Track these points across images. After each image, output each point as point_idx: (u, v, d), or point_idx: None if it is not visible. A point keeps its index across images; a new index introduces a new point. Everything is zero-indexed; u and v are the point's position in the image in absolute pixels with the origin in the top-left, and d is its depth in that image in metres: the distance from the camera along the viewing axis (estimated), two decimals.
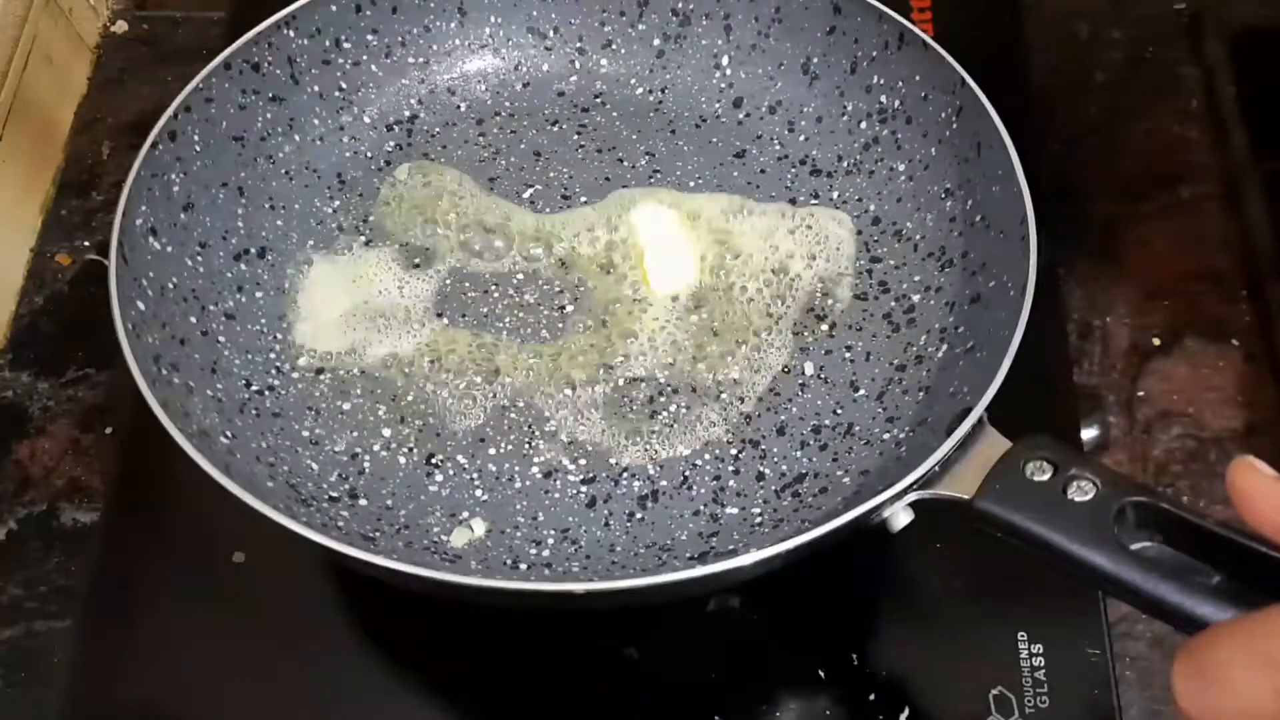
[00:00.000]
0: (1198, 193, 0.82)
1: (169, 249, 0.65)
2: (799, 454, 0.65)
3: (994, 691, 0.63)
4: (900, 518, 0.54)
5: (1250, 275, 0.79)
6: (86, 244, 0.83)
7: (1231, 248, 0.80)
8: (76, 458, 0.75)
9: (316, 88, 0.74)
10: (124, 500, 0.71)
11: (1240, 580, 0.44)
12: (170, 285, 0.64)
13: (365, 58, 0.75)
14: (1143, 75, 0.87)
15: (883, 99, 0.72)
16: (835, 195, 0.73)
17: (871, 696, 0.63)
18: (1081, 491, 0.48)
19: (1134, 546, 0.46)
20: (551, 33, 0.78)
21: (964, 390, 0.62)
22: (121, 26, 0.93)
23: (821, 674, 0.64)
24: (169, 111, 0.65)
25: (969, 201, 0.68)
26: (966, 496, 0.51)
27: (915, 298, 0.69)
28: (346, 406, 0.67)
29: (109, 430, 0.76)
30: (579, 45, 0.78)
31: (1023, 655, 0.64)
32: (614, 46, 0.78)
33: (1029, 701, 0.63)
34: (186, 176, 0.67)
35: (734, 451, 0.66)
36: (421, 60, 0.77)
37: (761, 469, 0.65)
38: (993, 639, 0.64)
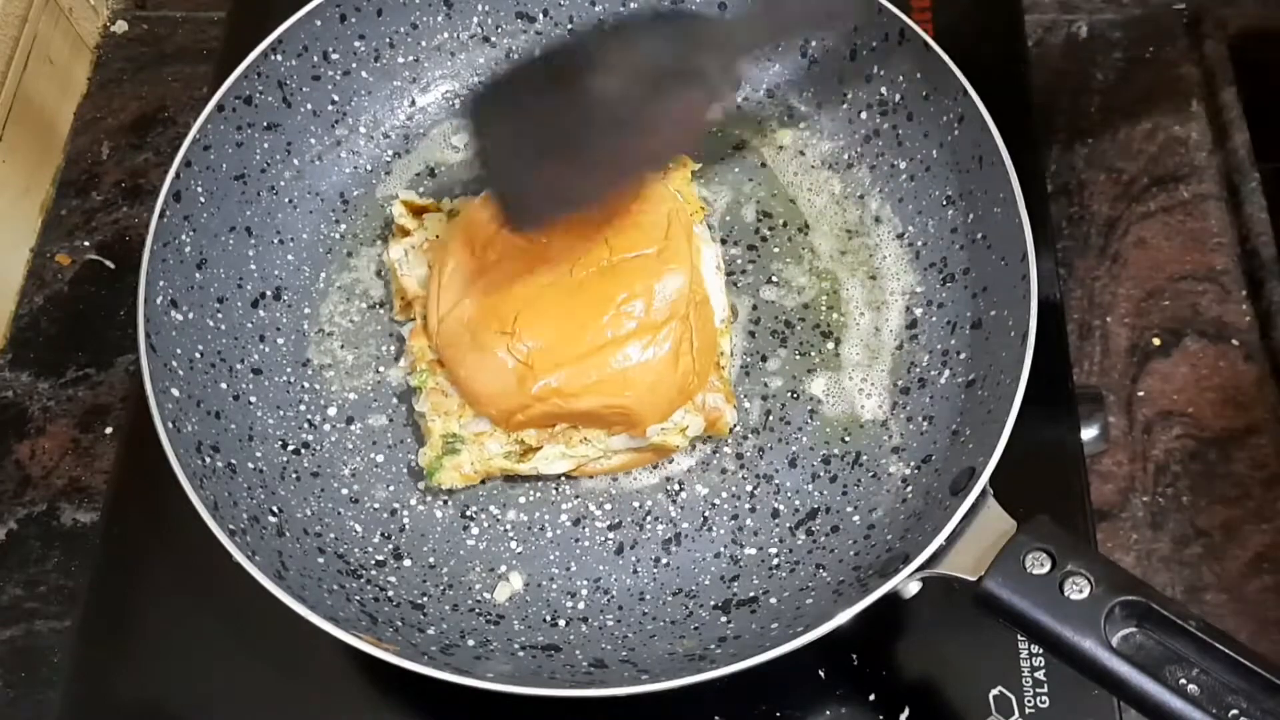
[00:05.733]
0: (1198, 193, 0.82)
1: (190, 315, 0.66)
2: (810, 487, 0.66)
3: (994, 691, 0.63)
4: (911, 587, 0.58)
5: (1250, 275, 0.79)
6: (86, 244, 0.83)
7: (1231, 248, 0.80)
8: (76, 457, 0.75)
9: (309, 106, 0.73)
10: (124, 500, 0.71)
11: (1213, 676, 0.49)
12: (198, 355, 0.65)
13: (355, 65, 0.75)
14: (1143, 75, 0.87)
15: (883, 90, 0.72)
16: (837, 189, 0.73)
17: (871, 696, 0.64)
18: (1077, 589, 0.52)
19: (1122, 633, 0.51)
20: (541, 15, 0.78)
21: (965, 432, 0.63)
22: (121, 26, 0.93)
23: (821, 674, 0.64)
24: (171, 173, 0.65)
25: (970, 215, 0.68)
26: (972, 578, 0.54)
27: (918, 311, 0.69)
28: (380, 459, 0.68)
29: (109, 430, 0.76)
30: (570, 26, 0.78)
31: (1022, 655, 0.64)
32: (607, 26, 0.78)
33: (1029, 701, 0.63)
34: (196, 232, 0.67)
35: (749, 488, 0.66)
36: (411, 59, 0.77)
37: (776, 505, 0.66)
38: (993, 639, 0.64)
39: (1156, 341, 0.77)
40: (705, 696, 0.64)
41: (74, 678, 0.66)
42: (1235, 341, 0.77)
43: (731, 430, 0.67)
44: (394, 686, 0.65)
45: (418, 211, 0.70)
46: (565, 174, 0.59)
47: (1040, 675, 0.63)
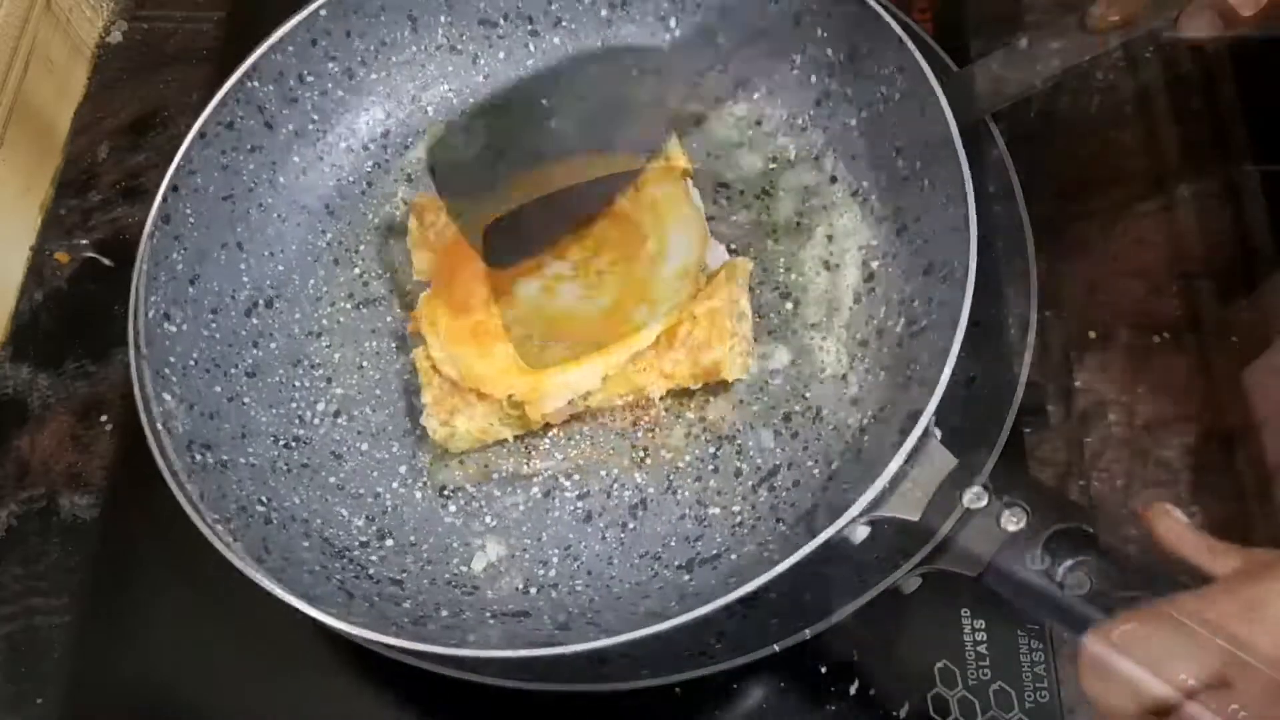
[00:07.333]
0: (1197, 192, 0.82)
1: (184, 326, 0.67)
2: (773, 445, 0.67)
3: (994, 687, 0.63)
4: (859, 532, 0.57)
5: (1250, 275, 0.79)
6: (84, 242, 0.83)
7: (1231, 248, 0.80)
8: (76, 450, 0.75)
9: (291, 126, 0.75)
10: (122, 493, 0.72)
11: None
12: (192, 362, 0.67)
13: (330, 85, 0.76)
14: (1142, 74, 0.87)
15: (828, 51, 0.73)
16: (792, 153, 0.75)
17: (871, 694, 0.64)
18: (1014, 520, 0.52)
19: (1067, 563, 0.51)
20: (502, 20, 0.79)
21: (915, 376, 0.63)
22: (120, 29, 0.93)
23: (821, 671, 0.64)
24: (159, 197, 0.67)
25: (917, 162, 0.68)
26: (914, 519, 0.54)
27: (874, 265, 0.70)
28: (364, 446, 0.69)
29: (108, 426, 0.76)
30: (530, 28, 0.80)
31: (1022, 651, 0.64)
32: (564, 23, 0.79)
33: (1028, 696, 0.63)
34: (187, 251, 0.68)
35: (713, 450, 0.67)
36: (383, 74, 0.78)
37: (739, 464, 0.67)
38: (993, 636, 0.64)
39: (1156, 340, 0.77)
40: (705, 694, 0.64)
41: (73, 672, 0.67)
42: (1235, 340, 0.77)
43: (731, 384, 0.68)
44: (392, 678, 0.65)
45: (418, 212, 0.71)
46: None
47: (1040, 670, 0.63)
